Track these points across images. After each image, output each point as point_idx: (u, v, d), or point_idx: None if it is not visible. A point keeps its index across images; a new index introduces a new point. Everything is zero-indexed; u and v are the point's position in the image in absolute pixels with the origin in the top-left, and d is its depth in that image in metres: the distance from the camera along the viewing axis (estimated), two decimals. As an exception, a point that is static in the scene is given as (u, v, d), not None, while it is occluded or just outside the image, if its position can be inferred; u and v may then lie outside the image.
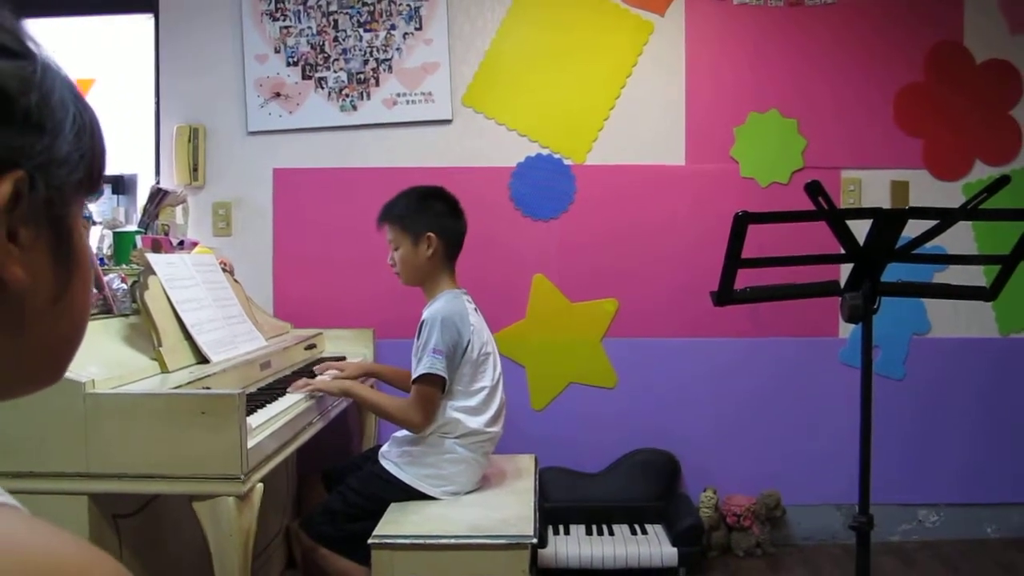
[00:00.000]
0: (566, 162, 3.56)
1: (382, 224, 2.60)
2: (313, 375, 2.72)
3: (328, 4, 3.50)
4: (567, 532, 3.37)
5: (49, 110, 0.53)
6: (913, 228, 2.20)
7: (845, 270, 2.51)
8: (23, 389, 0.59)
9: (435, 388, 2.43)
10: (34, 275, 0.54)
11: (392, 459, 2.51)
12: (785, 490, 3.53)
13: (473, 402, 2.49)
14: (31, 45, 0.54)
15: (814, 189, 2.13)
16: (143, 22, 3.58)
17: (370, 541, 2.21)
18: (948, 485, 3.62)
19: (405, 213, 2.56)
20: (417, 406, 2.43)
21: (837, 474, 3.50)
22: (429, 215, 2.54)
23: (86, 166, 0.57)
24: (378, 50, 3.51)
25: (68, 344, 0.61)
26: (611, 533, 3.36)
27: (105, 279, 2.36)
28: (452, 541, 2.21)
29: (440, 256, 2.56)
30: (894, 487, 3.53)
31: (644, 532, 3.36)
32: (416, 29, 3.51)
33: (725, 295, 2.25)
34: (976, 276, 3.36)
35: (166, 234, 3.05)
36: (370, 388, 2.78)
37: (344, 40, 3.51)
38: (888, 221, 2.20)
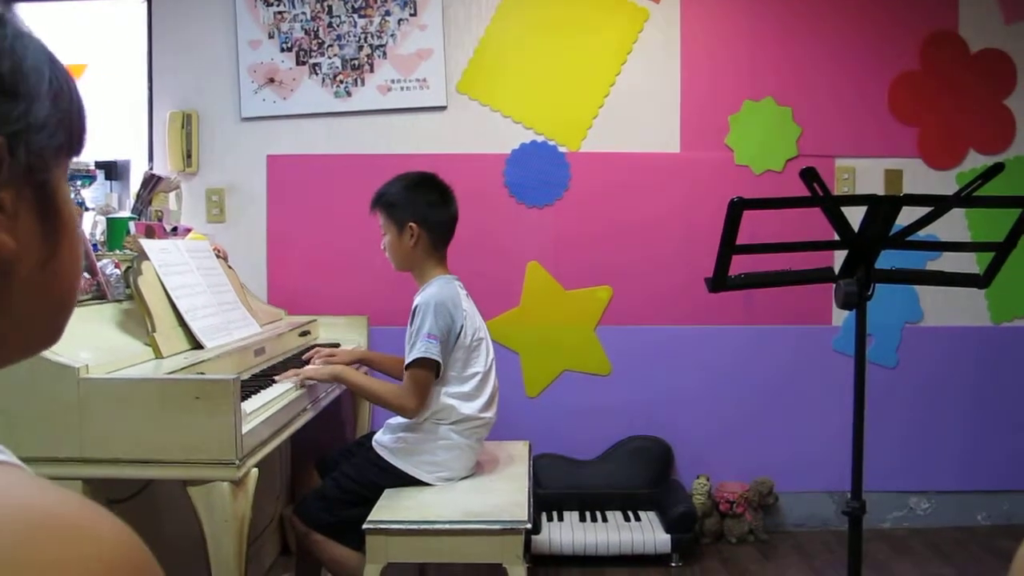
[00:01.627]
0: (561, 149, 3.55)
1: (373, 210, 2.60)
2: (305, 362, 2.72)
3: (322, -10, 3.48)
4: (561, 518, 3.39)
5: (23, 75, 0.53)
6: (907, 216, 2.20)
7: (839, 258, 2.51)
8: (20, 354, 0.59)
9: (429, 372, 2.43)
10: (21, 240, 0.54)
11: (386, 445, 2.51)
12: (778, 477, 3.54)
13: (466, 388, 2.49)
14: (2, 11, 0.53)
15: (809, 175, 2.12)
16: (135, 7, 3.56)
17: (364, 527, 2.22)
18: (940, 473, 3.64)
19: (392, 201, 2.56)
20: (411, 391, 2.43)
21: (829, 461, 3.52)
22: (415, 204, 2.54)
23: (66, 129, 0.57)
24: (372, 36, 3.50)
25: (61, 306, 0.61)
26: (604, 520, 3.37)
27: (99, 265, 2.35)
28: (446, 527, 2.22)
29: (425, 244, 2.55)
30: (886, 474, 3.55)
31: (637, 519, 3.37)
32: (411, 15, 3.50)
33: (720, 281, 2.25)
34: (970, 264, 3.37)
35: (159, 220, 3.04)
36: (362, 374, 2.78)
37: (338, 26, 3.49)
38: (883, 207, 2.20)
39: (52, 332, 0.61)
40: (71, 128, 0.58)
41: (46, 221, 0.57)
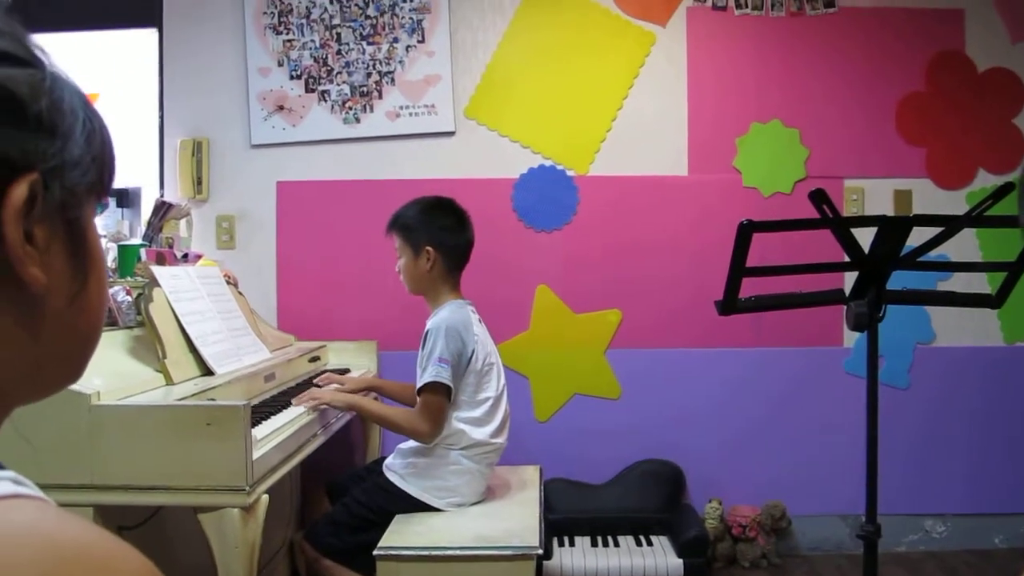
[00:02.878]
0: (569, 173, 3.56)
1: (389, 233, 2.61)
2: (318, 386, 2.72)
3: (331, 17, 3.51)
4: (572, 543, 3.36)
5: (60, 115, 0.55)
6: (917, 237, 2.20)
7: (849, 279, 2.51)
8: (44, 390, 0.60)
9: (442, 396, 2.42)
10: (51, 275, 0.55)
11: (397, 470, 2.51)
12: (790, 500, 3.52)
13: (478, 412, 2.49)
14: (39, 54, 0.56)
15: (818, 197, 2.12)
16: (147, 36, 3.60)
17: (375, 552, 2.21)
18: (955, 495, 3.61)
19: (409, 224, 2.57)
20: (425, 415, 2.42)
21: (842, 484, 3.49)
22: (430, 228, 2.54)
23: (97, 169, 0.59)
24: (381, 63, 3.52)
25: (86, 343, 0.62)
26: (616, 544, 3.35)
27: (110, 291, 2.36)
28: (457, 552, 2.20)
29: (440, 268, 2.55)
30: (900, 497, 3.52)
31: (649, 543, 3.35)
32: (418, 42, 3.52)
33: (729, 304, 2.25)
34: (981, 284, 3.36)
35: (170, 247, 3.06)
36: (376, 402, 2.78)
37: (347, 53, 3.52)
38: (893, 229, 2.20)
39: (76, 368, 0.62)
40: (102, 168, 0.60)
41: (76, 257, 0.58)
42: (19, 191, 0.51)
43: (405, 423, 2.46)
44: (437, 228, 2.55)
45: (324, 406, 2.52)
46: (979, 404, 3.61)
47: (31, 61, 0.54)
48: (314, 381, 2.79)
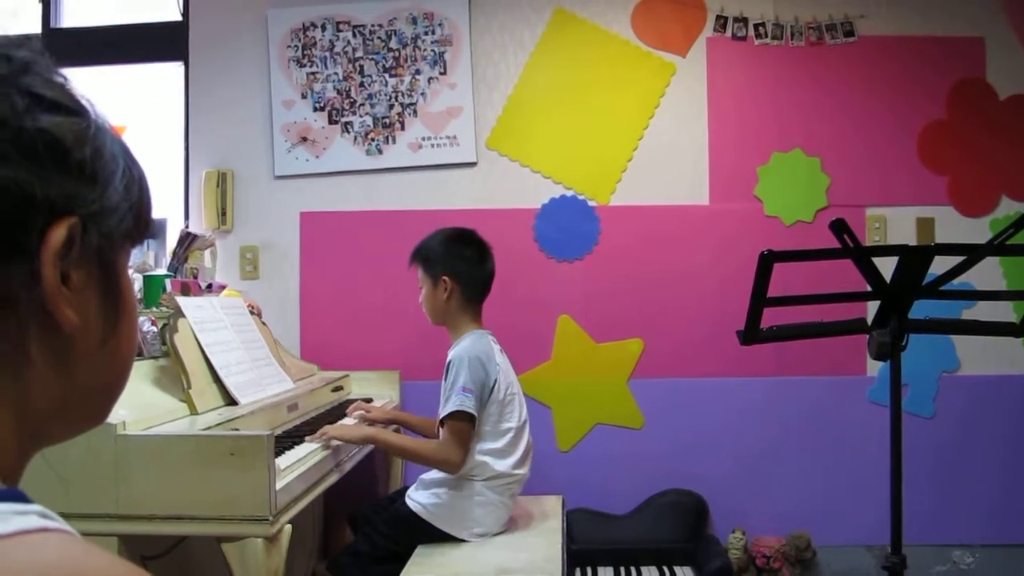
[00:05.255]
0: (590, 203, 3.58)
1: (412, 264, 2.63)
2: (343, 415, 2.72)
3: (354, 50, 3.56)
4: (595, 574, 3.34)
5: (102, 163, 0.57)
6: (940, 265, 2.19)
7: (872, 308, 2.50)
8: (69, 432, 0.61)
9: (466, 424, 2.42)
10: (84, 318, 0.57)
11: (419, 501, 2.50)
12: (815, 531, 3.48)
13: (500, 443, 2.48)
14: (85, 103, 0.58)
15: (839, 227, 2.12)
16: (173, 70, 3.66)
17: (397, 583, 2.20)
18: (983, 525, 3.56)
19: (428, 255, 2.58)
20: (452, 444, 2.41)
21: (867, 514, 3.45)
22: (449, 259, 2.56)
23: (134, 216, 0.61)
24: (403, 95, 3.56)
25: (114, 387, 0.63)
26: (639, 575, 3.32)
27: (136, 322, 2.38)
28: (480, 583, 2.20)
29: (459, 299, 2.56)
30: (927, 527, 3.48)
31: (672, 574, 3.32)
32: (440, 74, 3.56)
33: (752, 334, 2.24)
34: (1005, 312, 3.33)
35: (195, 277, 3.09)
36: (397, 434, 2.77)
37: (370, 85, 3.56)
38: (915, 258, 2.19)
39: (101, 412, 0.63)
40: (139, 216, 0.62)
41: (108, 302, 0.60)
42: (58, 233, 0.53)
43: (432, 453, 2.45)
44: (456, 259, 2.56)
45: (338, 443, 2.45)
46: (1006, 432, 3.56)
47: (76, 110, 0.57)
48: (347, 412, 2.81)
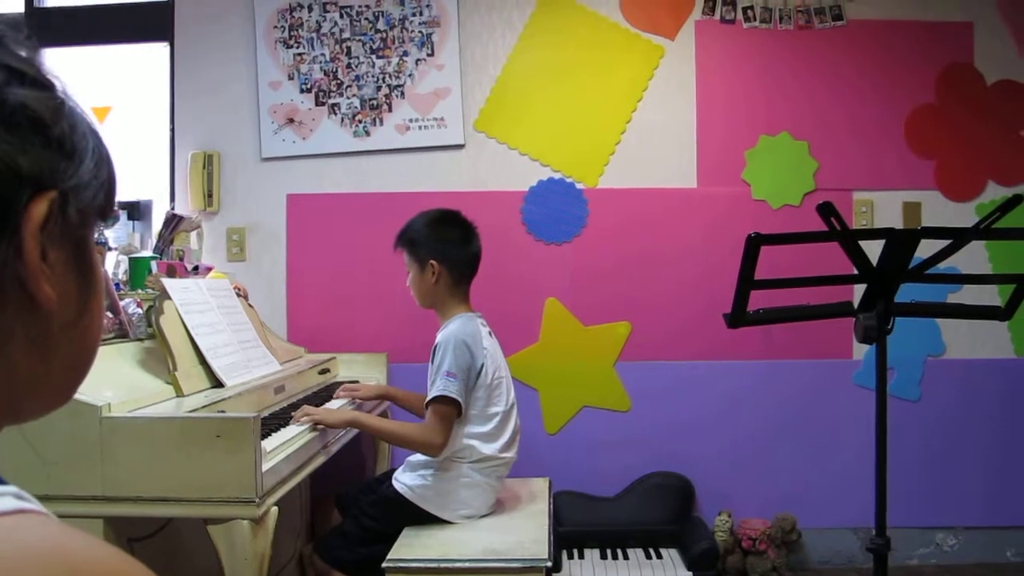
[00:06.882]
0: (578, 186, 3.57)
1: (397, 248, 2.61)
2: (330, 398, 2.72)
3: (341, 31, 3.54)
4: (581, 556, 3.36)
5: (76, 137, 0.57)
6: (926, 249, 2.20)
7: (858, 292, 2.50)
8: (37, 410, 0.60)
9: (449, 409, 2.42)
10: (60, 294, 0.56)
11: (406, 483, 2.50)
12: (801, 513, 3.50)
13: (488, 427, 2.48)
14: (53, 79, 0.57)
15: (826, 210, 2.13)
16: (159, 51, 3.63)
17: (384, 565, 2.21)
18: (967, 508, 3.59)
19: (414, 238, 2.57)
20: (434, 428, 2.41)
21: (853, 497, 3.48)
22: (435, 242, 2.54)
23: (104, 192, 0.60)
24: (390, 76, 3.54)
25: (84, 364, 0.63)
26: (626, 557, 3.34)
27: (121, 304, 2.37)
28: (466, 564, 2.20)
29: (446, 281, 2.55)
30: (911, 510, 3.51)
31: (659, 556, 3.34)
32: (428, 55, 3.54)
33: (738, 317, 2.25)
34: (991, 296, 3.35)
35: (181, 259, 3.07)
36: (379, 417, 2.77)
37: (357, 67, 3.54)
38: (901, 241, 2.20)
39: (71, 390, 0.63)
40: (108, 192, 0.61)
41: (81, 277, 0.59)
42: (40, 208, 0.53)
43: (416, 436, 2.44)
44: (442, 241, 2.55)
45: (321, 426, 2.43)
46: (990, 416, 3.59)
47: (46, 85, 0.56)
48: (334, 395, 2.80)
